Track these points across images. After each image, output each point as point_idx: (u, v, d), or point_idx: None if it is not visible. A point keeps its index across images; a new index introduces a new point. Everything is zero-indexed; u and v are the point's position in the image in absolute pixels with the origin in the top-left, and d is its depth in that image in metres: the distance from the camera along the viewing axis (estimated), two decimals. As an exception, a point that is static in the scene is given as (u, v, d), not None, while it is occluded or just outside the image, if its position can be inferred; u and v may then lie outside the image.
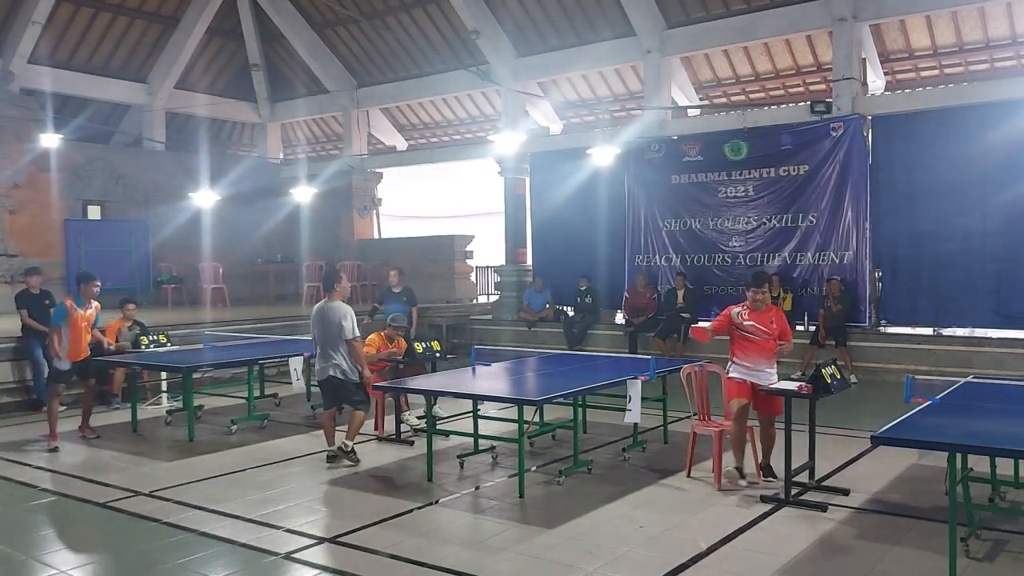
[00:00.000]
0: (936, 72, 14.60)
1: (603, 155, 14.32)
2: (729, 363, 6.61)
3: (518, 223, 16.84)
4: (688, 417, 7.18)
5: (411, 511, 5.99)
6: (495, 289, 18.52)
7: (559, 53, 16.09)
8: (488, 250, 20.09)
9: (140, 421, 9.11)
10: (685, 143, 14.09)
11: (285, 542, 5.38)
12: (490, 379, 7.68)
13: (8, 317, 11.36)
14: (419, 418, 8.61)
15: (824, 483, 6.44)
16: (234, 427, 8.81)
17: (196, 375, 9.32)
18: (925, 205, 12.03)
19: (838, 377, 6.15)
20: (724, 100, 16.68)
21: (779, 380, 6.56)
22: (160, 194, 18.19)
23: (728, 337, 6.69)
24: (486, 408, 8.27)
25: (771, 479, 6.46)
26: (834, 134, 12.63)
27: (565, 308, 15.18)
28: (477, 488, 6.64)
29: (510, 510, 6.03)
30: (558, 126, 18.26)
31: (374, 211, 20.57)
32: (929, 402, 5.55)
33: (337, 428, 7.51)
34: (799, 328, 12.67)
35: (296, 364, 8.78)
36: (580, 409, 7.58)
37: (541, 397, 6.67)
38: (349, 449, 7.29)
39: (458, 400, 8.49)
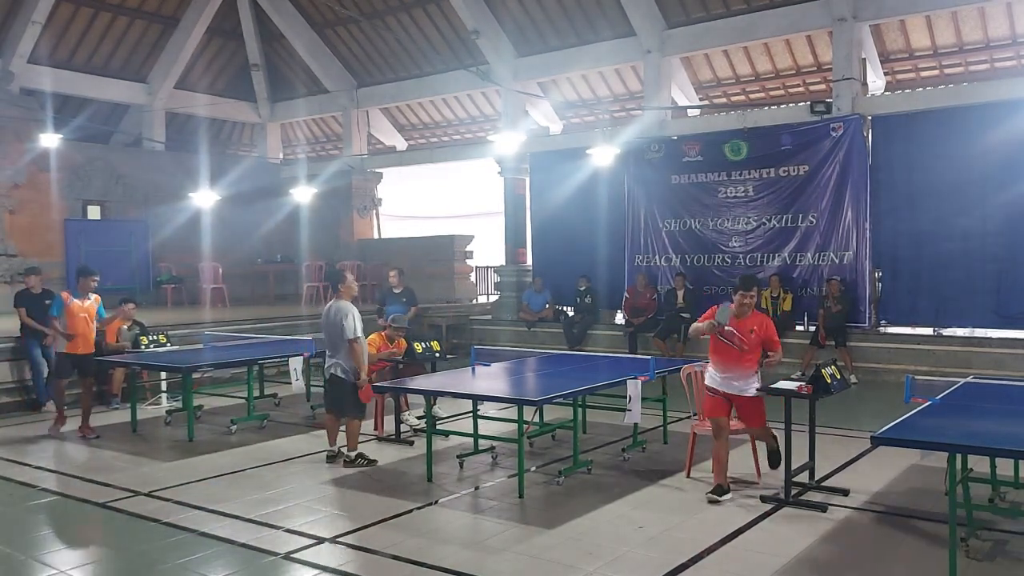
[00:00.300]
0: (936, 72, 14.60)
1: (603, 155, 14.32)
2: (707, 369, 6.43)
3: (518, 223, 16.84)
4: (688, 417, 7.18)
5: (411, 511, 5.99)
6: (495, 289, 18.52)
7: (559, 53, 16.10)
8: (488, 250, 20.10)
9: (140, 421, 9.10)
10: (685, 143, 14.09)
11: (285, 542, 5.38)
12: (490, 379, 7.68)
13: (8, 317, 11.35)
14: (419, 418, 8.61)
15: (824, 483, 6.44)
16: (234, 427, 8.81)
17: (196, 375, 9.31)
18: (925, 205, 12.03)
19: (838, 377, 6.15)
20: (724, 100, 16.69)
21: (779, 380, 6.54)
22: (160, 194, 18.19)
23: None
24: (486, 408, 8.26)
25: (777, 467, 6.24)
26: (834, 134, 12.63)
27: (565, 308, 15.18)
28: (477, 488, 6.64)
29: (510, 510, 6.02)
30: (558, 126, 18.27)
31: (374, 211, 20.58)
32: (929, 402, 5.55)
33: (340, 429, 7.50)
34: (799, 328, 12.70)
35: (296, 364, 8.77)
36: (580, 409, 7.57)
37: (541, 397, 6.67)
38: (352, 459, 7.28)
39: (458, 400, 8.48)
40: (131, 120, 19.40)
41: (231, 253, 18.88)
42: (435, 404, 8.30)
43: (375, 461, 7.33)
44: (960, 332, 11.97)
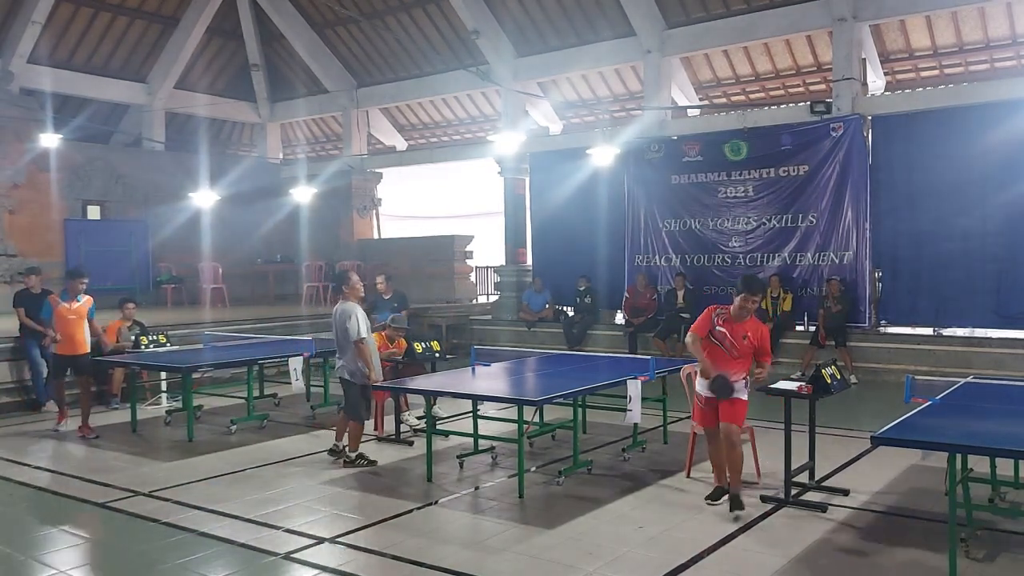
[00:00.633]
0: (936, 72, 14.60)
1: (603, 155, 14.32)
2: (699, 378, 6.10)
3: (518, 223, 16.84)
4: (688, 417, 7.17)
5: (411, 511, 5.99)
6: (495, 289, 18.52)
7: (559, 53, 16.09)
8: (488, 250, 20.09)
9: (139, 421, 9.10)
10: (685, 143, 14.09)
11: (285, 542, 5.38)
12: (490, 379, 7.68)
13: (7, 317, 11.35)
14: (419, 418, 8.61)
15: (824, 483, 6.44)
16: (234, 427, 8.81)
17: (196, 375, 9.31)
18: (925, 205, 12.03)
19: (838, 377, 6.15)
20: (724, 100, 16.69)
21: (780, 380, 6.53)
22: (160, 194, 18.19)
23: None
24: (486, 408, 8.26)
25: (738, 512, 5.70)
26: (834, 134, 12.63)
27: (565, 308, 15.18)
28: (477, 488, 6.63)
29: (510, 510, 6.02)
30: (558, 126, 18.27)
31: (374, 211, 20.58)
32: (929, 402, 5.55)
33: (332, 428, 7.53)
34: (799, 328, 12.70)
35: (296, 364, 8.77)
36: (580, 409, 7.57)
37: (541, 397, 6.67)
38: (352, 460, 7.28)
39: (458, 400, 8.49)
40: (131, 120, 19.40)
41: (231, 253, 18.88)
42: (435, 404, 8.30)
43: (375, 462, 7.33)
44: (960, 332, 11.97)
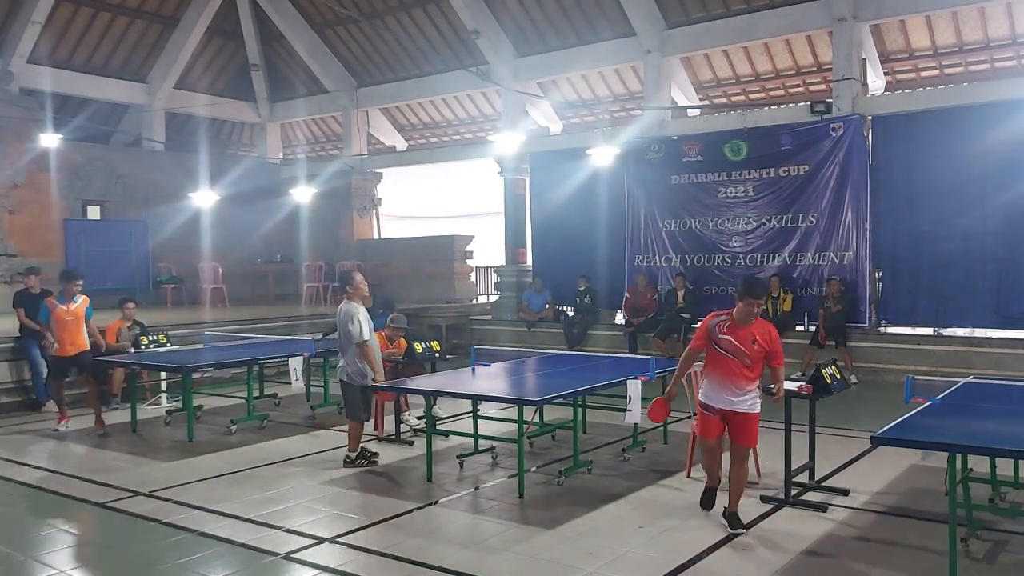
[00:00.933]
0: (936, 72, 14.60)
1: (603, 155, 14.32)
2: (702, 381, 5.71)
3: (518, 223, 16.84)
4: (688, 417, 7.17)
5: (411, 511, 5.99)
6: (495, 289, 18.52)
7: (559, 53, 16.09)
8: (488, 250, 20.09)
9: (140, 421, 9.10)
10: (685, 143, 14.09)
11: (285, 542, 5.38)
12: (490, 379, 7.68)
13: (7, 317, 11.35)
14: (419, 418, 8.61)
15: (824, 483, 6.44)
16: (234, 427, 8.81)
17: (196, 375, 9.31)
18: (925, 205, 12.03)
19: (838, 377, 6.15)
20: (724, 100, 16.69)
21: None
22: (160, 194, 18.20)
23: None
24: (486, 408, 8.26)
25: (739, 530, 5.39)
26: (834, 134, 12.63)
27: (565, 308, 15.19)
28: (477, 488, 6.63)
29: (510, 510, 6.02)
30: (558, 126, 18.27)
31: (374, 211, 20.57)
32: (929, 402, 5.55)
33: (335, 429, 7.51)
34: (799, 328, 12.70)
35: (296, 364, 8.77)
36: (580, 409, 7.57)
37: (541, 397, 6.67)
38: (352, 459, 7.28)
39: (458, 400, 8.49)
40: (131, 120, 19.39)
41: (231, 253, 18.87)
42: (435, 404, 8.30)
43: (376, 455, 7.32)
44: (960, 332, 11.97)
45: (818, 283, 12.71)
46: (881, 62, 14.26)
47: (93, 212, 17.57)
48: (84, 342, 8.96)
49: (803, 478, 6.30)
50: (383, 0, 17.52)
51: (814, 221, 12.89)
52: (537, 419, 7.93)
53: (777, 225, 13.24)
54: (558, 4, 15.60)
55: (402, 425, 8.38)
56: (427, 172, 20.99)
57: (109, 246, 17.13)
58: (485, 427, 7.85)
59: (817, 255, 12.87)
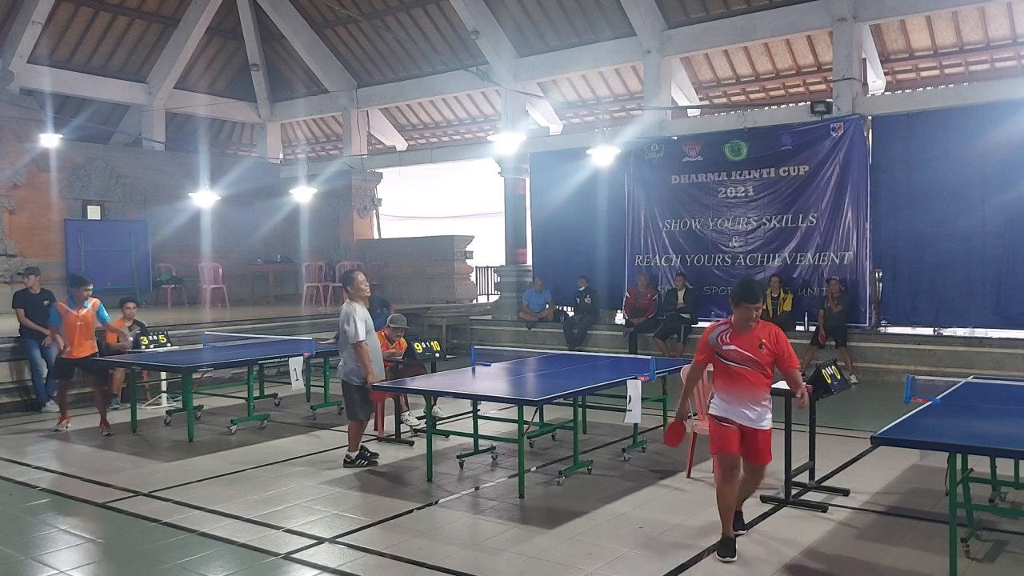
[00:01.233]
0: (936, 72, 14.59)
1: (603, 155, 14.32)
2: (711, 395, 5.32)
3: (518, 223, 16.84)
4: (688, 417, 7.16)
5: (411, 511, 5.99)
6: (495, 289, 18.53)
7: (559, 53, 16.09)
8: (488, 250, 20.10)
9: (140, 421, 9.11)
10: (685, 143, 14.09)
11: (285, 542, 5.38)
12: (490, 379, 7.68)
13: (7, 317, 11.36)
14: (419, 418, 8.61)
15: (824, 483, 6.44)
16: (234, 427, 8.81)
17: (196, 375, 9.31)
18: (925, 205, 12.03)
19: (838, 377, 6.15)
20: (724, 100, 16.68)
21: (779, 380, 6.49)
22: (160, 194, 18.20)
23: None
24: (486, 408, 8.26)
25: (740, 531, 5.26)
26: (834, 134, 12.63)
27: (565, 308, 15.19)
28: (477, 488, 6.63)
29: (510, 510, 6.02)
30: (558, 126, 18.27)
31: (374, 211, 20.58)
32: (929, 402, 5.55)
33: (335, 429, 7.50)
34: (799, 328, 12.70)
35: (296, 364, 8.78)
36: (580, 409, 7.58)
37: (541, 397, 6.66)
38: (352, 459, 7.28)
39: (458, 400, 8.49)
40: (131, 120, 19.39)
41: (231, 253, 18.89)
42: (435, 404, 8.30)
43: (376, 455, 7.32)
44: (960, 332, 11.98)
45: (818, 283, 12.71)
46: (881, 62, 14.25)
47: (93, 212, 17.56)
48: (92, 345, 9.08)
49: (803, 478, 6.30)
50: (383, 0, 17.52)
51: (814, 221, 12.89)
52: (537, 419, 7.93)
53: (777, 225, 13.24)
54: (558, 4, 15.60)
55: (402, 425, 8.38)
56: (427, 172, 21.00)
57: (109, 246, 17.13)
58: (485, 427, 7.85)
59: (817, 255, 12.87)
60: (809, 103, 13.21)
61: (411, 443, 8.08)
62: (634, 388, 6.72)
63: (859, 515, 5.79)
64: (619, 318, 14.92)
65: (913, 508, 5.95)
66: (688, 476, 6.77)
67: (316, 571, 4.92)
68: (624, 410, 6.79)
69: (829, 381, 5.96)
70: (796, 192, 13.04)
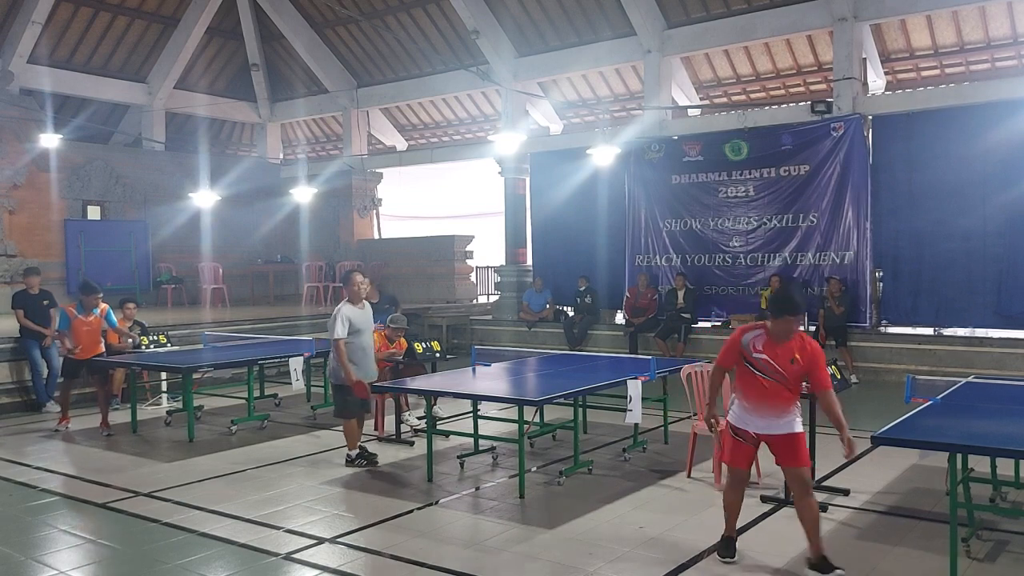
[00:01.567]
0: (937, 72, 14.59)
1: (603, 155, 14.31)
2: (731, 400, 5.09)
3: (518, 223, 16.84)
4: (688, 417, 7.17)
5: (411, 511, 5.98)
6: (495, 289, 18.52)
7: (559, 53, 16.09)
8: (488, 250, 20.10)
9: (140, 421, 9.11)
10: (685, 143, 14.09)
11: (285, 542, 5.37)
12: (490, 379, 7.67)
13: (8, 317, 11.35)
14: (419, 418, 8.61)
15: (824, 483, 6.43)
16: (234, 427, 8.81)
17: (196, 375, 9.31)
18: (926, 205, 12.03)
19: (838, 377, 6.15)
20: (724, 100, 16.67)
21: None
22: (160, 194, 18.20)
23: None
24: (486, 408, 8.26)
25: (838, 571, 4.62)
26: (835, 134, 12.62)
27: (565, 308, 15.18)
28: (477, 488, 6.63)
29: (510, 510, 6.02)
30: (558, 126, 18.26)
31: (374, 211, 20.58)
32: (930, 402, 5.55)
33: (335, 429, 7.50)
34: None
35: (296, 364, 8.77)
36: (580, 409, 7.57)
37: (541, 397, 6.66)
38: (352, 459, 7.28)
39: (458, 400, 8.49)
40: (131, 120, 19.39)
41: (231, 253, 18.89)
42: (435, 404, 8.30)
43: (375, 456, 7.31)
44: (961, 332, 11.98)
45: (819, 283, 12.71)
46: (882, 62, 14.25)
47: (93, 212, 17.56)
48: (98, 348, 9.18)
49: (803, 478, 6.28)
50: (383, 0, 17.52)
51: (815, 221, 12.89)
52: (537, 419, 7.92)
53: (778, 225, 13.24)
54: (558, 4, 15.59)
55: (402, 425, 8.38)
56: (427, 172, 20.99)
57: (109, 246, 17.13)
58: (485, 427, 7.85)
59: (818, 255, 12.87)
60: (809, 103, 13.21)
61: (411, 443, 8.08)
62: (634, 388, 6.72)
63: (859, 515, 5.78)
64: (619, 318, 14.92)
65: (913, 508, 5.95)
66: (688, 476, 6.77)
67: (316, 571, 4.92)
68: (624, 410, 6.79)
69: (829, 381, 5.95)
70: (796, 192, 13.04)
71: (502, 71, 16.24)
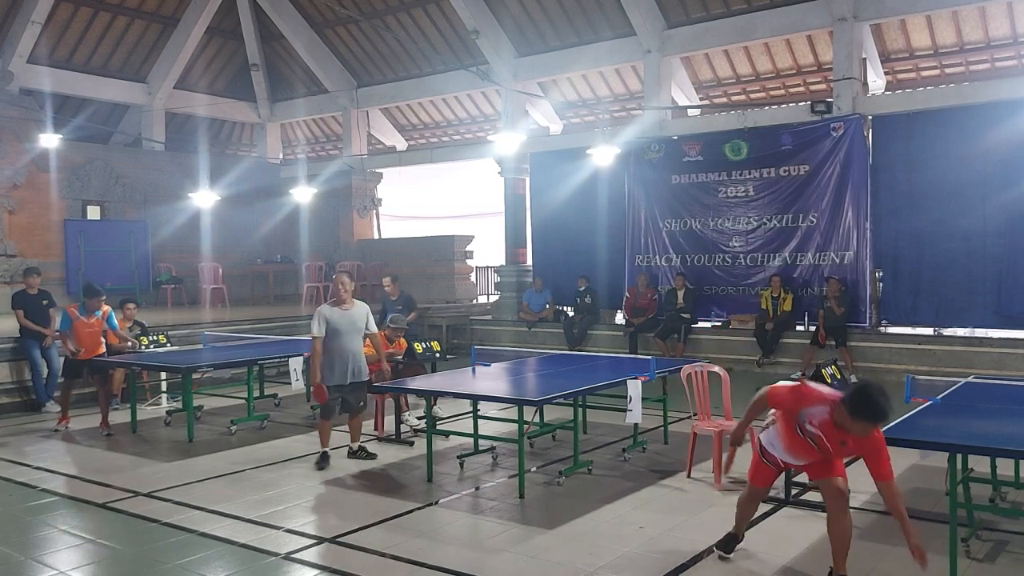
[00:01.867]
0: (937, 72, 14.59)
1: (603, 155, 14.31)
2: (768, 425, 4.82)
3: (518, 223, 16.84)
4: (688, 417, 7.17)
5: (411, 511, 5.98)
6: (495, 289, 18.53)
7: (559, 53, 16.09)
8: (488, 250, 20.10)
9: (140, 421, 9.11)
10: (685, 143, 14.09)
11: (285, 542, 5.37)
12: (490, 379, 7.68)
13: (7, 317, 11.35)
14: (419, 418, 8.61)
15: (824, 483, 6.42)
16: (234, 427, 8.81)
17: (196, 375, 9.31)
18: (926, 205, 12.03)
19: (838, 377, 6.16)
20: (724, 100, 16.67)
21: (779, 381, 6.49)
22: (160, 194, 18.20)
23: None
24: (486, 408, 8.26)
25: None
26: (834, 134, 12.62)
27: (565, 308, 15.18)
28: (477, 488, 6.63)
29: (510, 510, 6.02)
30: (558, 126, 18.26)
31: (374, 211, 20.58)
32: (930, 402, 5.55)
33: (335, 428, 7.51)
34: (799, 328, 12.70)
35: (296, 364, 8.77)
36: (580, 409, 7.57)
37: (541, 397, 6.66)
38: (354, 451, 7.33)
39: (458, 400, 8.48)
40: (131, 120, 19.38)
41: (231, 253, 18.89)
42: (435, 404, 8.30)
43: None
44: (960, 332, 11.97)
45: (818, 283, 12.71)
46: (881, 62, 14.25)
47: (93, 212, 17.56)
48: (99, 349, 9.21)
49: (803, 478, 6.27)
50: (383, 0, 17.51)
51: (814, 221, 12.89)
52: (537, 419, 7.92)
53: (777, 225, 13.24)
54: (558, 4, 15.59)
55: (402, 425, 8.38)
56: (427, 172, 20.98)
57: (109, 246, 17.12)
58: (485, 427, 7.85)
59: (817, 255, 12.87)
60: (809, 103, 13.21)
61: (411, 443, 8.08)
62: (634, 388, 6.72)
63: (859, 515, 5.78)
64: (619, 318, 14.91)
65: (913, 508, 5.92)
66: (688, 476, 6.77)
67: (316, 571, 4.92)
68: (624, 410, 6.79)
69: (829, 381, 5.97)
70: (796, 192, 13.04)
71: (502, 71, 16.24)
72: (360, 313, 7.44)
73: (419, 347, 8.66)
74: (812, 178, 12.85)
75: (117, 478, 6.98)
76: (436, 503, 6.24)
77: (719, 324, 13.69)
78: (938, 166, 11.89)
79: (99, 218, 17.61)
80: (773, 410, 4.72)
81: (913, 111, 12.28)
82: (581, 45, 15.77)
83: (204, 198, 17.89)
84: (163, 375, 10.50)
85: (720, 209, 13.74)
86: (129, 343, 10.02)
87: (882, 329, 12.47)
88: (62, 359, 9.50)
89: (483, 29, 16.05)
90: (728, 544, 5.01)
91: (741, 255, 13.54)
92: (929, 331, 12.06)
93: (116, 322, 9.51)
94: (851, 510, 5.83)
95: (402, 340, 9.01)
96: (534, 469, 7.08)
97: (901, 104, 12.70)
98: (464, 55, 17.33)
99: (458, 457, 7.29)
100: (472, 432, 7.47)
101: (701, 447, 6.88)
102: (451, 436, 8.03)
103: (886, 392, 4.16)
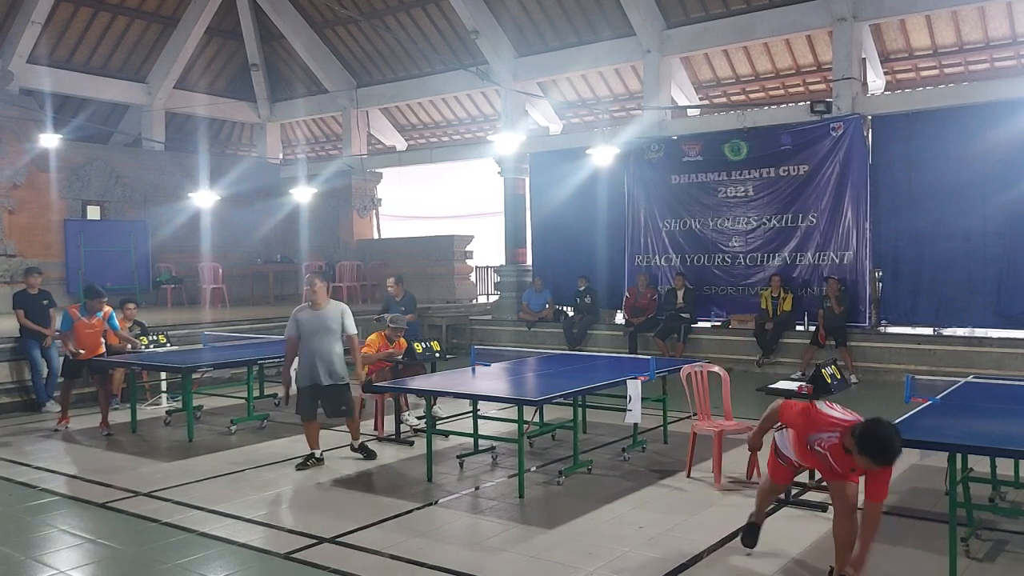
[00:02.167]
0: (936, 72, 14.59)
1: (603, 155, 14.31)
2: (780, 432, 4.86)
3: (518, 223, 16.84)
4: (688, 417, 7.17)
5: (411, 511, 5.99)
6: (495, 289, 18.52)
7: (559, 53, 16.09)
8: (488, 250, 20.10)
9: (139, 421, 9.11)
10: (685, 143, 14.09)
11: (285, 542, 5.37)
12: (490, 379, 7.68)
13: (8, 317, 11.36)
14: (419, 418, 8.61)
15: (823, 482, 6.41)
16: (233, 427, 8.82)
17: (195, 375, 9.31)
18: (925, 205, 12.03)
19: (838, 377, 6.15)
20: (724, 100, 16.68)
21: (779, 380, 6.51)
22: (159, 194, 18.20)
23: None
24: (486, 408, 8.26)
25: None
26: (834, 134, 12.63)
27: (565, 308, 15.19)
28: (477, 488, 6.63)
29: (510, 510, 6.02)
30: (558, 126, 18.26)
31: (374, 211, 20.58)
32: (929, 402, 5.55)
33: (336, 429, 7.51)
34: (799, 328, 12.70)
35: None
36: (580, 409, 7.57)
37: (541, 397, 6.66)
38: (356, 448, 7.36)
39: (458, 400, 8.48)
40: (130, 120, 19.38)
41: (231, 253, 18.89)
42: (435, 404, 8.30)
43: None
44: (960, 332, 11.97)
45: (818, 283, 12.71)
46: (881, 62, 14.25)
47: (93, 212, 17.55)
48: (99, 349, 9.22)
49: (803, 478, 6.29)
50: (383, 0, 17.52)
51: (814, 221, 12.90)
52: (537, 419, 7.93)
53: (777, 225, 13.24)
54: (558, 4, 15.59)
55: (402, 425, 8.38)
56: (427, 172, 20.99)
57: (109, 246, 17.12)
58: (485, 427, 7.85)
59: (817, 255, 12.87)
60: (809, 103, 13.21)
61: (411, 443, 8.08)
62: (634, 388, 6.72)
63: (859, 515, 5.77)
64: (619, 318, 14.92)
65: (913, 508, 5.95)
66: (688, 476, 6.77)
67: (316, 571, 4.91)
68: (624, 410, 6.79)
69: (829, 381, 5.96)
70: (796, 192, 13.04)
71: (502, 71, 16.24)
72: (333, 314, 7.34)
73: (419, 347, 8.66)
74: (812, 178, 12.86)
75: (117, 478, 6.98)
76: (436, 503, 6.24)
77: (719, 324, 13.70)
78: (937, 166, 11.89)
79: (99, 218, 17.61)
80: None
81: (912, 111, 12.28)
82: (581, 45, 15.77)
83: (204, 198, 17.88)
84: (163, 375, 10.50)
85: (720, 209, 13.75)
86: (130, 345, 10.02)
87: (882, 329, 12.47)
88: (62, 359, 9.50)
89: (483, 29, 16.05)
90: (751, 535, 5.00)
91: (741, 255, 13.55)
92: (929, 331, 12.06)
93: (118, 323, 9.52)
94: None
95: (402, 340, 9.01)
96: (534, 469, 7.09)
97: (900, 104, 12.70)
98: (464, 55, 17.33)
99: (458, 457, 7.29)
100: (472, 432, 7.47)
101: (701, 447, 6.88)
102: (451, 436, 8.03)
103: (899, 433, 4.24)
